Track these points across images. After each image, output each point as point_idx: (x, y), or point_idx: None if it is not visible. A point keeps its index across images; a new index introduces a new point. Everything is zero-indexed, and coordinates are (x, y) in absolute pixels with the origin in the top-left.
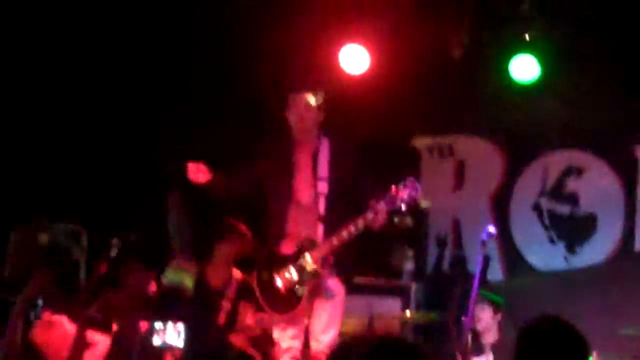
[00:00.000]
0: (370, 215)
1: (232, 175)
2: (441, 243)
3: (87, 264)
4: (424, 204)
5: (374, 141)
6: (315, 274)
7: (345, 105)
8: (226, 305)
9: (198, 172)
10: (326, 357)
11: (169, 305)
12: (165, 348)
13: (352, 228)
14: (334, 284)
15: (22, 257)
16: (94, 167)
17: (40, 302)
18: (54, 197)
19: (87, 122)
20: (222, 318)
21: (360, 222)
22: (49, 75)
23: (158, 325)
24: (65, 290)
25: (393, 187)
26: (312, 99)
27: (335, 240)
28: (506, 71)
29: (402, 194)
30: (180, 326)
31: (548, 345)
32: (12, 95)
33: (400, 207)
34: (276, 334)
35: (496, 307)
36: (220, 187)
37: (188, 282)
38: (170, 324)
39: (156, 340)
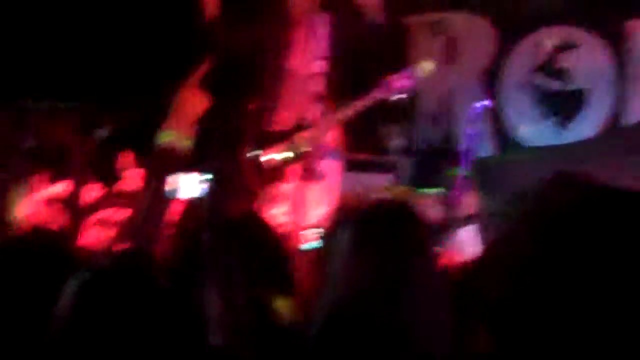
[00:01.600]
0: (366, 101)
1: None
2: (432, 118)
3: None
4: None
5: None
6: (307, 153)
7: None
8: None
9: None
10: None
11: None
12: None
13: (348, 111)
14: (329, 163)
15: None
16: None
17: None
18: (43, 74)
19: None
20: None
21: (357, 106)
22: None
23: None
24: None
25: (390, 75)
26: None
27: (330, 121)
28: None
29: (397, 83)
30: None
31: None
32: None
33: (395, 96)
34: (269, 210)
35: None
36: (224, 32)
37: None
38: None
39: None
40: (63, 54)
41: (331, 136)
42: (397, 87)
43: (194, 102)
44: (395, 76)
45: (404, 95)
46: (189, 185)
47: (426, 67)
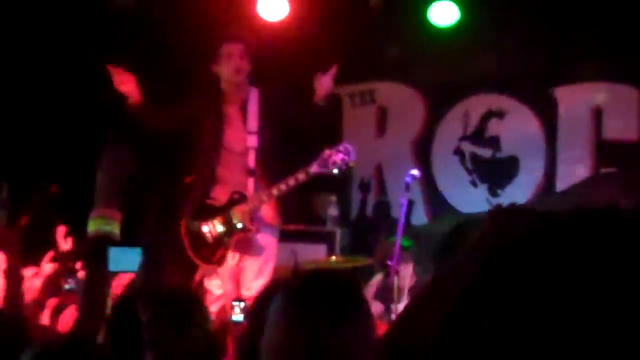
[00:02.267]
0: (301, 176)
1: (161, 111)
2: (364, 188)
3: (8, 217)
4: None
5: (296, 90)
6: (242, 228)
7: (267, 54)
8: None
9: (122, 79)
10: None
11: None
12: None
13: (282, 186)
14: (264, 237)
15: None
16: (15, 116)
17: None
18: None
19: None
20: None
21: (291, 181)
22: None
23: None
24: None
25: (326, 150)
26: None
27: (264, 197)
28: (425, 16)
29: (335, 157)
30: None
31: None
32: None
33: (332, 171)
34: (206, 283)
35: (412, 256)
36: (150, 116)
37: (116, 230)
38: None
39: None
40: None
41: (266, 210)
42: (335, 162)
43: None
44: (332, 150)
45: (340, 170)
46: (123, 259)
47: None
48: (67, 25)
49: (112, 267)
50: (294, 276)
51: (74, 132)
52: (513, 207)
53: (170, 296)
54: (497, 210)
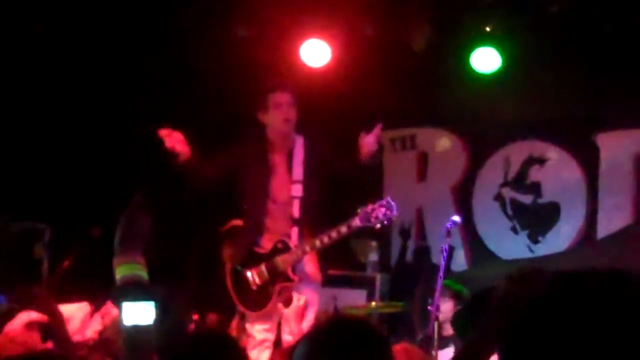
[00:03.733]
0: (343, 229)
1: (209, 161)
2: (405, 234)
3: (50, 260)
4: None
5: (341, 134)
6: (285, 277)
7: (311, 100)
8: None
9: (174, 139)
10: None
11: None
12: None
13: (325, 239)
14: (307, 292)
15: None
16: (56, 163)
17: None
18: (15, 193)
19: (46, 117)
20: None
21: (334, 234)
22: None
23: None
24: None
25: (370, 205)
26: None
27: (307, 247)
28: (468, 63)
29: (378, 212)
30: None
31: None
32: None
33: (374, 226)
34: (249, 327)
35: (458, 298)
36: (198, 167)
37: (144, 273)
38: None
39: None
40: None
41: (308, 265)
42: (377, 217)
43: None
44: (375, 205)
45: (382, 224)
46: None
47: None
48: (116, 75)
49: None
50: (317, 322)
51: (115, 176)
52: (528, 270)
53: (207, 340)
54: (517, 274)
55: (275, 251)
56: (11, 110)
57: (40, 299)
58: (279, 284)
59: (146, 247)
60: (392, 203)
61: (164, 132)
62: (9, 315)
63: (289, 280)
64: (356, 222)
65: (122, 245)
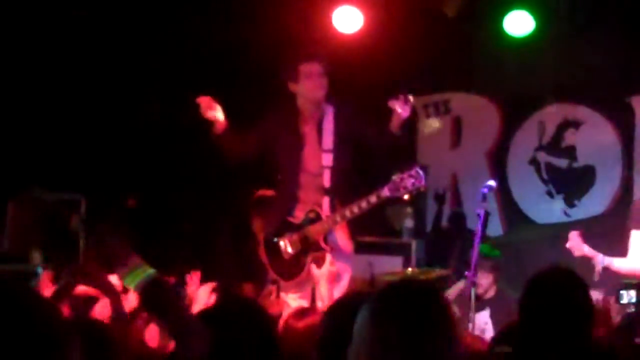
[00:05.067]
0: (373, 199)
1: (243, 135)
2: (440, 200)
3: (86, 233)
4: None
5: (373, 102)
6: (317, 246)
7: (342, 68)
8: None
9: (209, 106)
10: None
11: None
12: None
13: (355, 208)
14: (339, 264)
15: (20, 229)
16: (89, 134)
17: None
18: (49, 166)
19: (81, 91)
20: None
21: (364, 204)
22: (39, 47)
23: None
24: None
25: (399, 174)
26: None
27: (338, 217)
28: (500, 27)
29: (407, 182)
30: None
31: (554, 297)
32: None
33: (403, 196)
34: (283, 296)
35: (493, 265)
36: (233, 141)
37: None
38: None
39: None
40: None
41: (340, 235)
42: (405, 187)
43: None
44: (404, 175)
45: (411, 195)
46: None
47: (431, 125)
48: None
49: None
50: (384, 285)
51: (148, 146)
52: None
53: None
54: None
55: (308, 221)
56: (46, 84)
57: (93, 274)
58: (311, 253)
59: (133, 245)
60: (421, 173)
61: (203, 101)
62: (67, 289)
63: (321, 249)
64: (385, 192)
65: (113, 263)
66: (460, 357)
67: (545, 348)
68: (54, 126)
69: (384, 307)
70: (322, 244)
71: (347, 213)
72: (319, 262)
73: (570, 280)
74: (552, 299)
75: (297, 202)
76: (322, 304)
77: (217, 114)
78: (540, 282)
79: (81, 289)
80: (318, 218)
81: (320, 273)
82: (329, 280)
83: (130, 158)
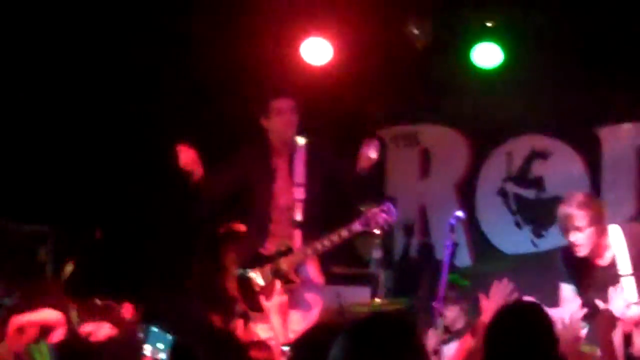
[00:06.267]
0: (344, 234)
1: (217, 177)
2: (408, 231)
3: (54, 265)
4: None
5: (342, 135)
6: (287, 279)
7: (312, 100)
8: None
9: (187, 157)
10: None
11: None
12: None
13: (326, 242)
14: (311, 295)
15: None
16: (60, 166)
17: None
18: (18, 197)
19: (51, 120)
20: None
21: (335, 238)
22: (20, 70)
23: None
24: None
25: (370, 209)
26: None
27: (309, 251)
28: (469, 59)
29: (378, 217)
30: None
31: (517, 336)
32: None
33: (373, 230)
34: (252, 327)
35: (458, 296)
36: (208, 185)
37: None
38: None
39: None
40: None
41: (311, 267)
42: (377, 222)
43: None
44: (375, 210)
45: (382, 229)
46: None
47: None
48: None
49: None
50: (346, 319)
51: (118, 178)
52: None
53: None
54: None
55: (279, 253)
56: (14, 112)
57: (53, 294)
58: (282, 284)
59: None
60: (393, 209)
61: (181, 148)
62: (13, 311)
63: (292, 282)
64: (357, 226)
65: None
66: None
67: None
68: (21, 158)
69: (358, 345)
70: (293, 276)
71: (319, 246)
72: (290, 296)
73: (534, 316)
74: (515, 339)
75: (269, 235)
76: (274, 335)
77: (195, 164)
78: (504, 319)
79: (39, 315)
80: (289, 250)
81: (271, 305)
82: (280, 312)
83: (99, 190)
